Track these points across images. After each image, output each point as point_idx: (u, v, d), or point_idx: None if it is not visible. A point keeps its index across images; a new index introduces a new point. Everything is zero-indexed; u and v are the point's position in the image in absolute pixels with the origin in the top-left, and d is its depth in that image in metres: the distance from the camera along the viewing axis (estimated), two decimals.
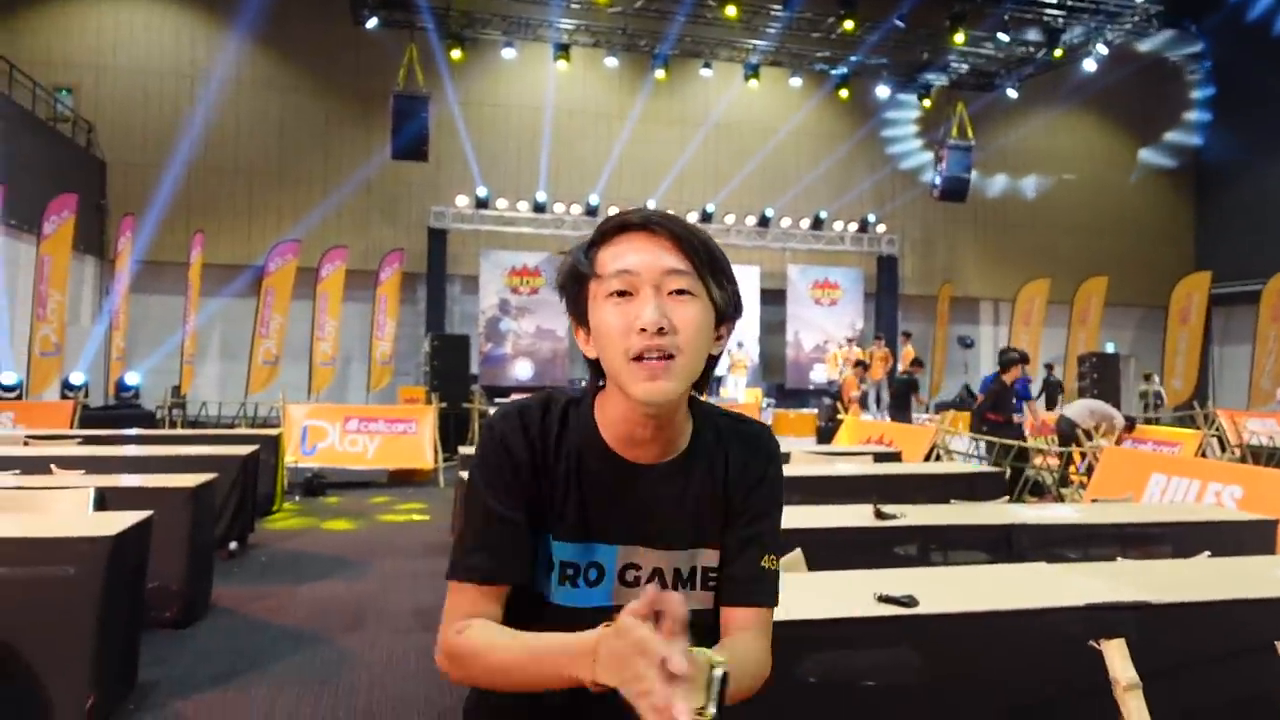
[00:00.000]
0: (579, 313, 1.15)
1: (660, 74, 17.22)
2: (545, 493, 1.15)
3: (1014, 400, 8.13)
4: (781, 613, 2.34)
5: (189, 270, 14.54)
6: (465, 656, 1.09)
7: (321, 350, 15.48)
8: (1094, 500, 5.21)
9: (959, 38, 15.66)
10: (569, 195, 16.95)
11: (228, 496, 6.08)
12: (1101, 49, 16.17)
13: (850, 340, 16.61)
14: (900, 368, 14.04)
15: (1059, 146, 20.58)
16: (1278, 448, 9.35)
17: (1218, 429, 10.62)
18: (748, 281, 18.27)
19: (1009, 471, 6.96)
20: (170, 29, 16.48)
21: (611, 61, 17.16)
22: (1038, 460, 7.53)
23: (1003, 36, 16.07)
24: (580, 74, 17.58)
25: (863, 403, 13.38)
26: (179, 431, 10.36)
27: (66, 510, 4.14)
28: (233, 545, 6.21)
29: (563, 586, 1.15)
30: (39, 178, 12.76)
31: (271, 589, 5.38)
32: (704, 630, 1.17)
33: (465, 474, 1.18)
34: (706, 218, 17.43)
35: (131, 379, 13.45)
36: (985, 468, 6.18)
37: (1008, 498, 5.06)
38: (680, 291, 1.09)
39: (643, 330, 1.06)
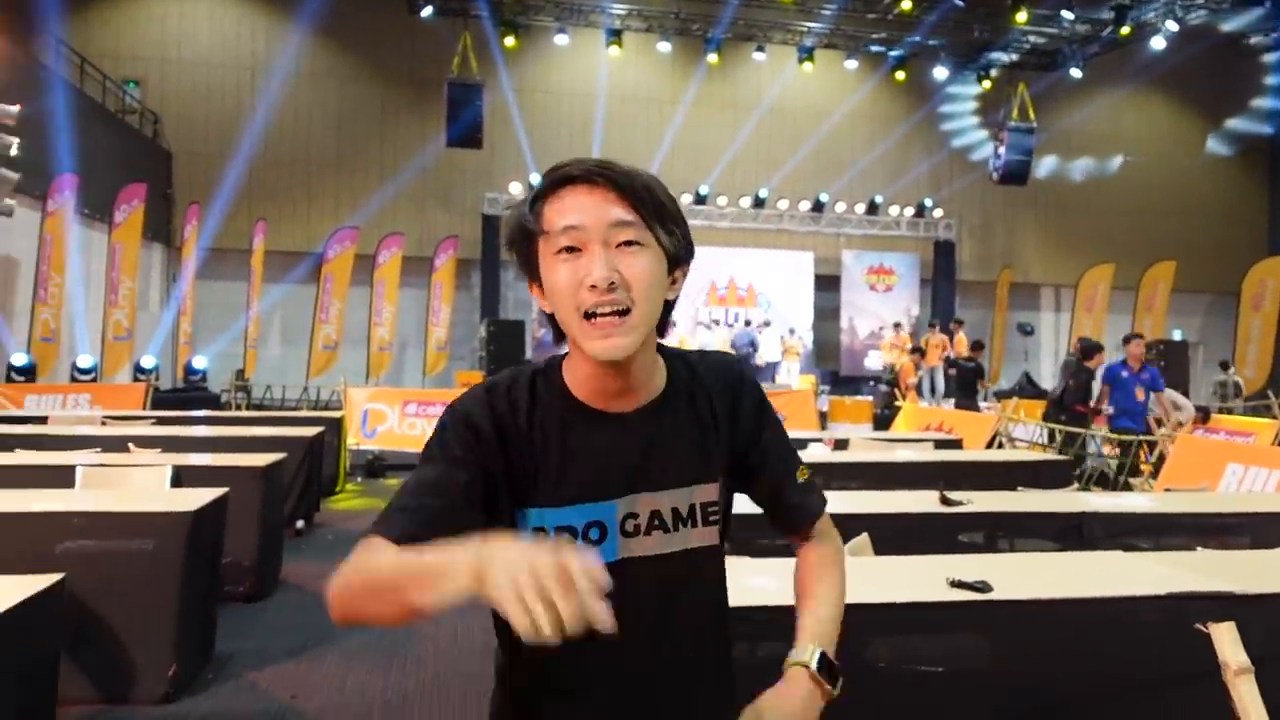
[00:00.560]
0: (531, 269, 1.13)
1: (713, 58, 17.09)
2: (520, 465, 1.11)
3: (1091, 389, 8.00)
4: (852, 596, 2.34)
5: (251, 257, 14.90)
6: (342, 578, 1.03)
7: (379, 335, 15.76)
8: (1167, 489, 5.07)
9: (1021, 16, 15.24)
10: None
11: (294, 476, 6.25)
12: (1172, 26, 15.61)
13: (898, 326, 16.36)
14: (952, 355, 13.77)
15: (1124, 128, 19.94)
16: None
17: None
18: (801, 267, 18.14)
19: (1074, 460, 6.81)
20: (232, 22, 16.85)
21: (664, 46, 17.08)
22: (1106, 449, 7.35)
23: (1067, 14, 15.61)
24: (632, 59, 17.54)
25: (919, 389, 13.19)
26: (247, 414, 10.65)
27: (146, 487, 4.30)
28: (299, 524, 6.38)
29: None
30: (109, 168, 13.17)
31: (338, 567, 5.51)
32: (709, 567, 1.19)
33: None
34: (759, 203, 17.30)
35: (199, 363, 13.85)
36: (1052, 455, 6.06)
37: (1076, 486, 4.96)
38: (629, 243, 1.06)
39: (593, 287, 1.04)
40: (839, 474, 5.03)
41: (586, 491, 1.11)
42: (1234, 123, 20.39)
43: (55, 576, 2.40)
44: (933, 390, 13.81)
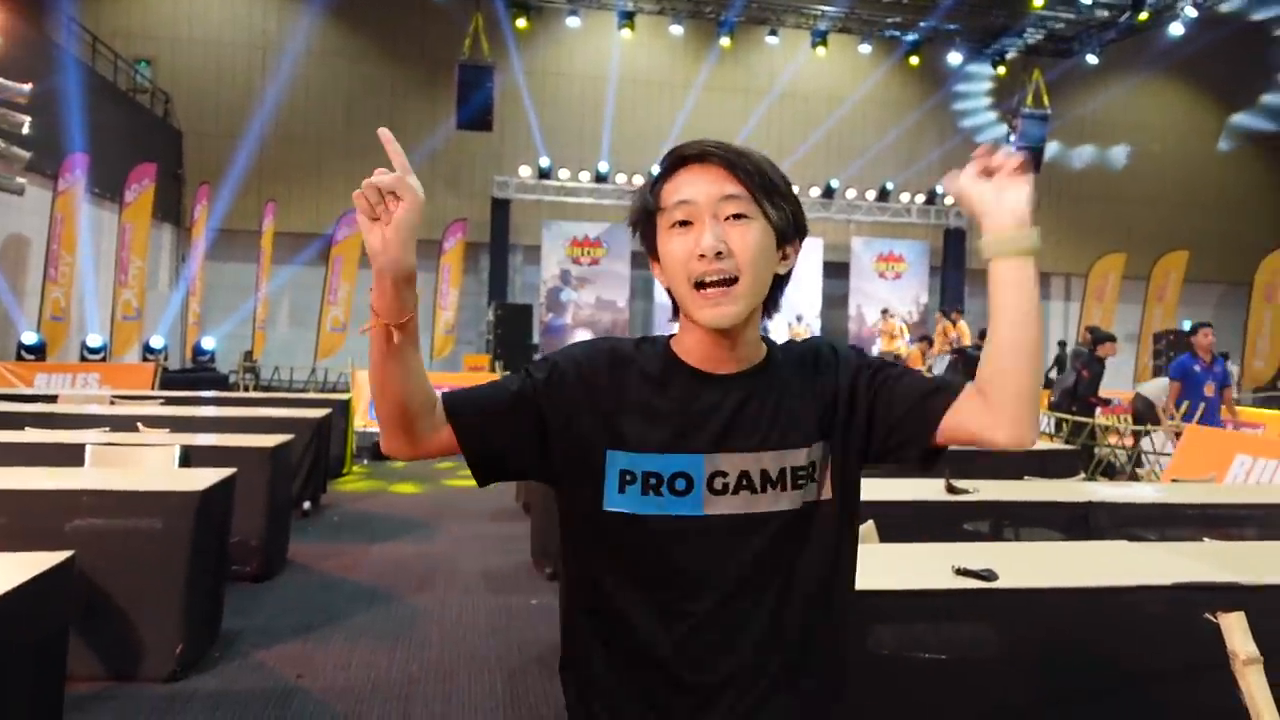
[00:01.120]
0: (651, 247, 1.21)
1: (725, 42, 16.97)
2: (609, 409, 1.17)
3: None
4: (857, 584, 2.34)
5: (261, 238, 14.92)
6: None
7: None
8: (1174, 480, 5.05)
9: (1038, 1, 15.09)
10: (631, 166, 16.88)
11: (302, 458, 6.27)
12: (1190, 12, 15.42)
13: (885, 313, 16.25)
14: (938, 345, 13.66)
15: (1139, 116, 19.74)
16: None
17: None
18: (810, 253, 18.05)
19: (1083, 451, 6.78)
20: (243, 2, 16.79)
21: (676, 29, 16.97)
22: (1112, 439, 7.33)
23: (1084, 0, 15.43)
24: (644, 42, 17.43)
25: None
26: (256, 394, 10.69)
27: (154, 466, 4.31)
28: (306, 505, 6.41)
29: (645, 496, 1.16)
30: (120, 148, 13.17)
31: (344, 547, 5.55)
32: (794, 530, 1.18)
33: None
34: None
35: (208, 343, 13.91)
36: (1059, 445, 6.04)
37: (1083, 475, 4.94)
38: (737, 216, 1.13)
39: (702, 256, 1.11)
40: None
41: (674, 441, 1.16)
42: (1250, 112, 20.17)
43: (65, 554, 2.41)
44: None
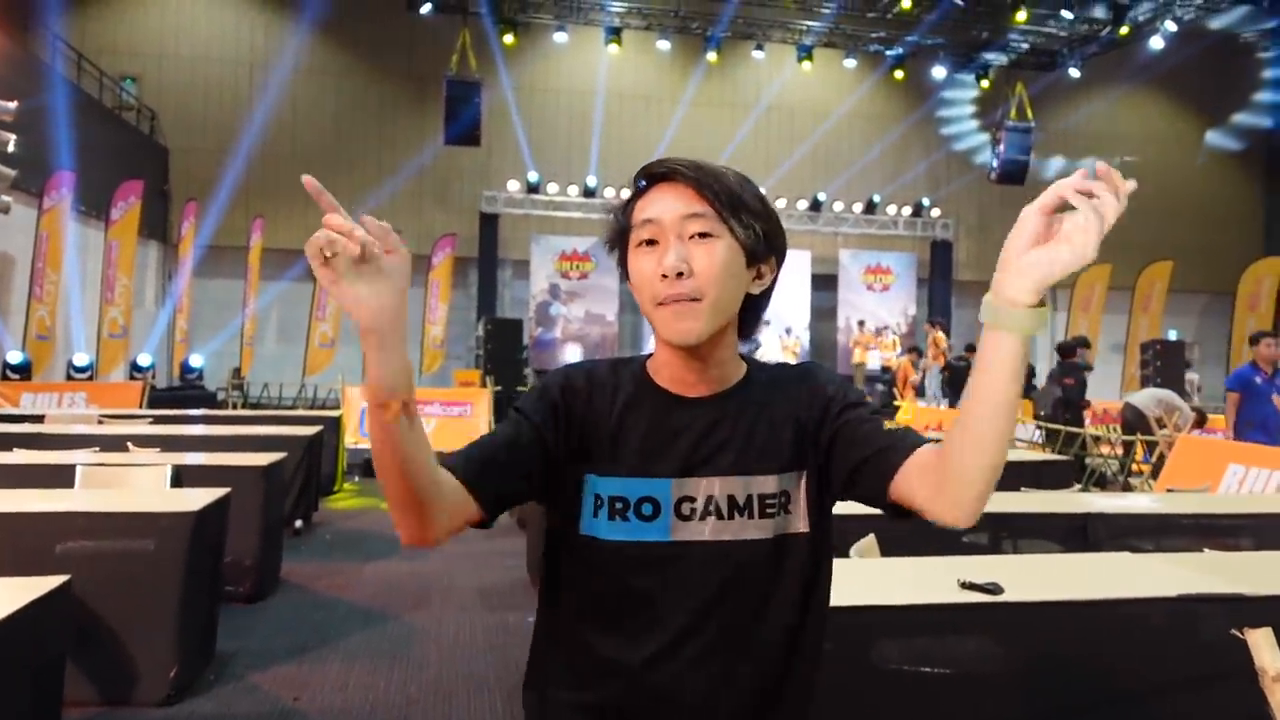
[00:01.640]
0: (624, 266, 1.20)
1: (712, 57, 17.07)
2: (585, 433, 1.16)
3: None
4: (861, 598, 2.33)
5: (249, 255, 14.86)
6: None
7: None
8: (1169, 490, 5.07)
9: (1021, 15, 15.26)
10: (619, 180, 16.92)
11: (293, 476, 6.22)
12: (1170, 26, 15.63)
13: (861, 324, 16.30)
14: (931, 355, 13.73)
15: (1122, 128, 19.97)
16: None
17: None
18: (799, 266, 18.13)
19: (1075, 461, 6.81)
20: (230, 18, 16.78)
21: (663, 44, 17.07)
22: (1104, 450, 7.36)
23: (1066, 14, 15.62)
24: (632, 58, 17.51)
25: (918, 390, 13.19)
26: (246, 412, 10.62)
27: (146, 486, 4.27)
28: (299, 523, 6.35)
29: (613, 521, 1.14)
30: (106, 165, 13.11)
31: (338, 566, 5.50)
32: (763, 561, 1.15)
33: None
34: None
35: (195, 361, 13.82)
36: (1052, 456, 6.06)
37: (1078, 486, 4.96)
38: (703, 235, 1.11)
39: (664, 276, 1.10)
40: None
41: (641, 465, 1.14)
42: (1231, 124, 20.43)
43: (61, 578, 2.38)
44: (925, 390, 13.80)
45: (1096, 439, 7.75)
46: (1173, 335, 17.61)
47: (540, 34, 16.95)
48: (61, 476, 4.26)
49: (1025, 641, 2.36)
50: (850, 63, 17.81)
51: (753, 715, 1.17)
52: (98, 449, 5.44)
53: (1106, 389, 15.89)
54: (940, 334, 13.93)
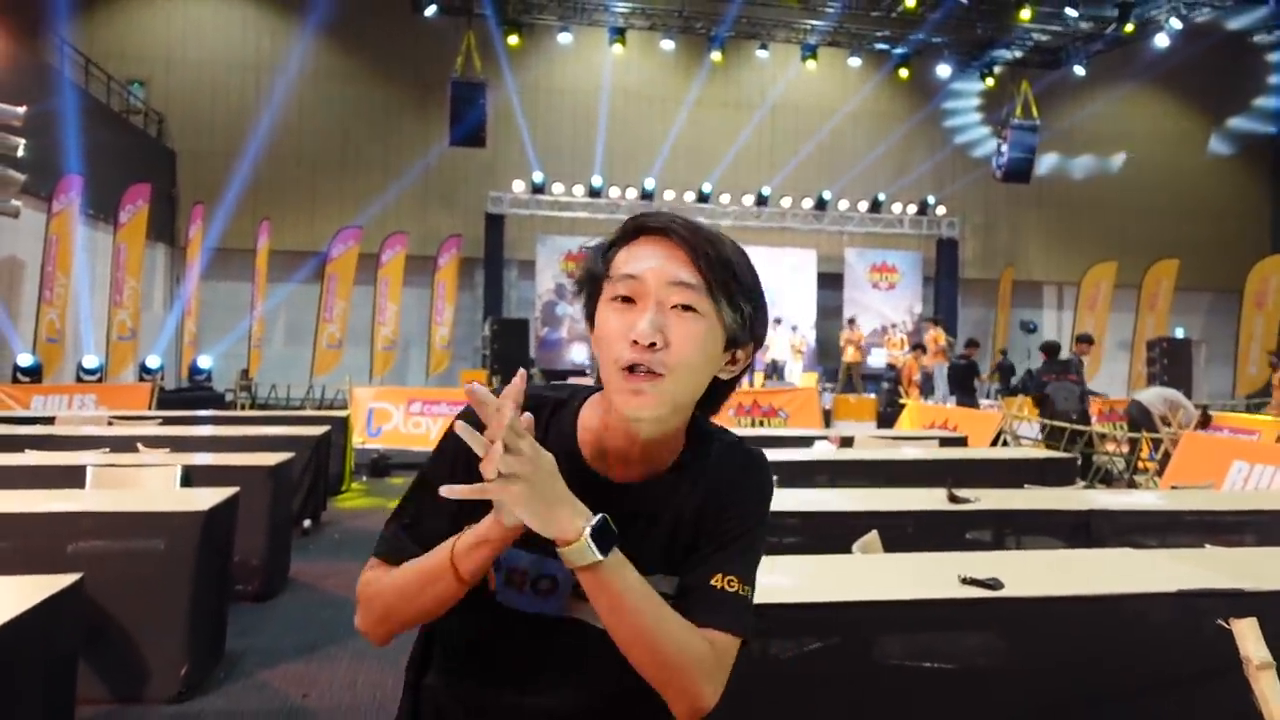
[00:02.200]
0: (590, 313, 1.10)
1: (716, 56, 17.09)
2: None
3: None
4: (864, 594, 2.35)
5: (256, 257, 14.92)
6: (370, 598, 1.10)
7: (383, 335, 15.80)
8: (1173, 487, 5.08)
9: (1025, 14, 15.24)
10: (624, 179, 16.95)
11: (301, 476, 6.26)
12: (1175, 24, 15.59)
13: (852, 322, 16.30)
14: (931, 353, 13.71)
15: (1128, 126, 19.92)
16: None
17: None
18: (804, 265, 18.14)
19: (1079, 459, 6.82)
20: (236, 22, 16.86)
21: (668, 44, 17.09)
22: (1109, 447, 7.36)
23: (1071, 12, 15.59)
24: (636, 58, 17.54)
25: (922, 387, 13.18)
26: (254, 413, 10.68)
27: (156, 487, 4.31)
28: (307, 523, 6.40)
29: (509, 589, 1.11)
30: (114, 169, 13.18)
31: (346, 565, 5.53)
32: None
33: None
34: (762, 201, 17.29)
35: (204, 362, 13.89)
36: (1058, 453, 6.07)
37: (1082, 483, 4.97)
38: (686, 307, 1.02)
39: (635, 343, 1.01)
40: (846, 472, 5.05)
41: (546, 542, 1.00)
42: (1237, 121, 20.36)
43: (73, 576, 2.42)
44: (933, 389, 13.79)
45: (1102, 436, 7.75)
46: (1180, 333, 17.58)
47: (544, 35, 16.99)
48: (72, 477, 4.30)
49: (1026, 636, 2.38)
50: (855, 61, 17.81)
51: None
52: (108, 450, 5.49)
53: (1114, 386, 15.87)
54: (940, 331, 13.93)
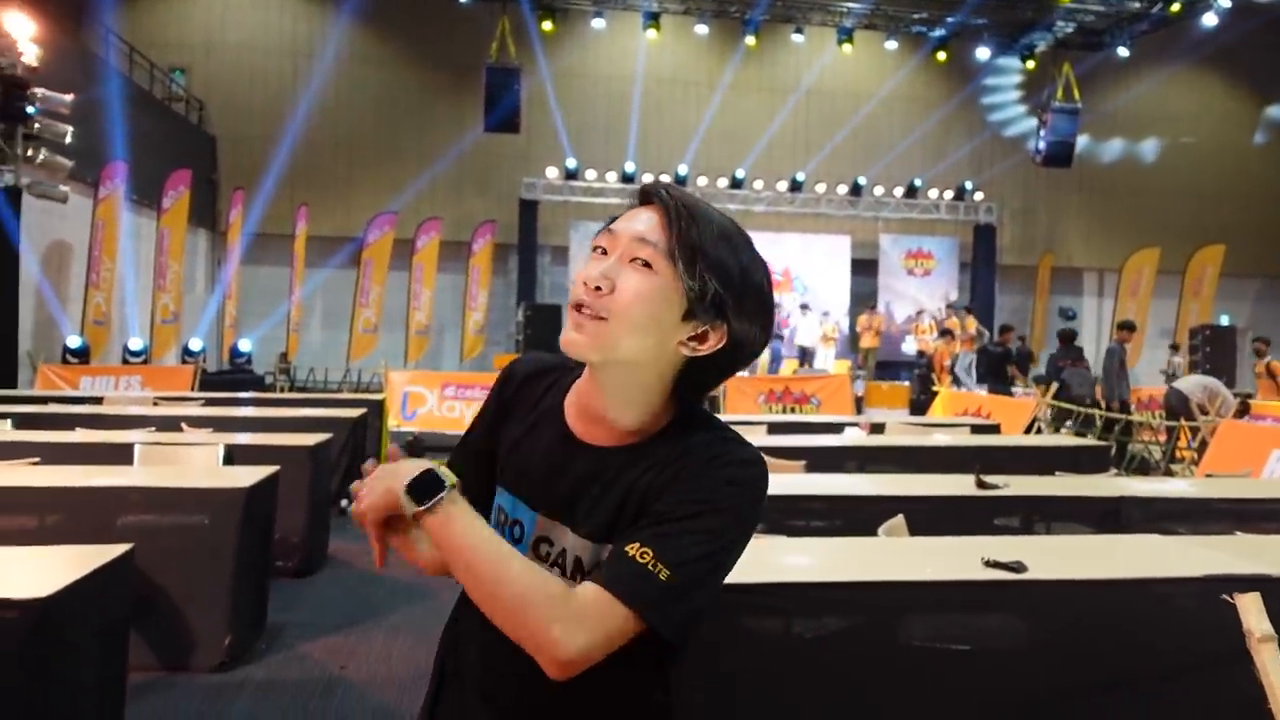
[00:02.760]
0: None
1: (751, 41, 16.97)
2: (504, 436, 1.20)
3: None
4: (887, 575, 2.39)
5: (294, 242, 15.16)
6: None
7: (417, 319, 15.99)
8: (1208, 475, 5.02)
9: None
10: (657, 166, 16.94)
11: (339, 456, 6.39)
12: (1224, 2, 15.19)
13: (873, 308, 16.14)
14: (960, 341, 13.54)
15: (1173, 108, 19.46)
16: None
17: None
18: (838, 251, 18.02)
19: (1114, 447, 6.75)
20: (274, 9, 17.07)
21: (701, 29, 17.01)
22: (1145, 435, 7.28)
23: None
24: (670, 43, 17.48)
25: (953, 375, 13.06)
26: (293, 395, 10.90)
27: (200, 464, 4.45)
28: (344, 502, 6.53)
29: (500, 530, 1.16)
30: (157, 155, 13.46)
31: None
32: None
33: None
34: (796, 187, 17.18)
35: (244, 345, 14.17)
36: (1092, 441, 6.02)
37: (1115, 471, 4.93)
38: (645, 264, 1.05)
39: (585, 284, 1.06)
40: (875, 458, 5.06)
41: (521, 489, 1.15)
42: None
43: (125, 546, 2.52)
44: (964, 376, 13.62)
45: (1139, 425, 7.65)
46: (1225, 321, 17.21)
47: (578, 20, 16.99)
48: (121, 454, 4.46)
49: (1048, 619, 2.39)
50: (891, 45, 17.58)
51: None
52: (154, 429, 5.66)
53: (1155, 376, 15.59)
54: (970, 319, 13.78)
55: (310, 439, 5.11)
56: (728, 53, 17.75)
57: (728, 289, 1.05)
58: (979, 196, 18.03)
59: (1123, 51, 17.33)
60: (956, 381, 12.35)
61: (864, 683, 2.32)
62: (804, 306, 16.56)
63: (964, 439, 5.80)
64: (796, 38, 17.18)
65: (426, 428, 10.10)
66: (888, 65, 18.25)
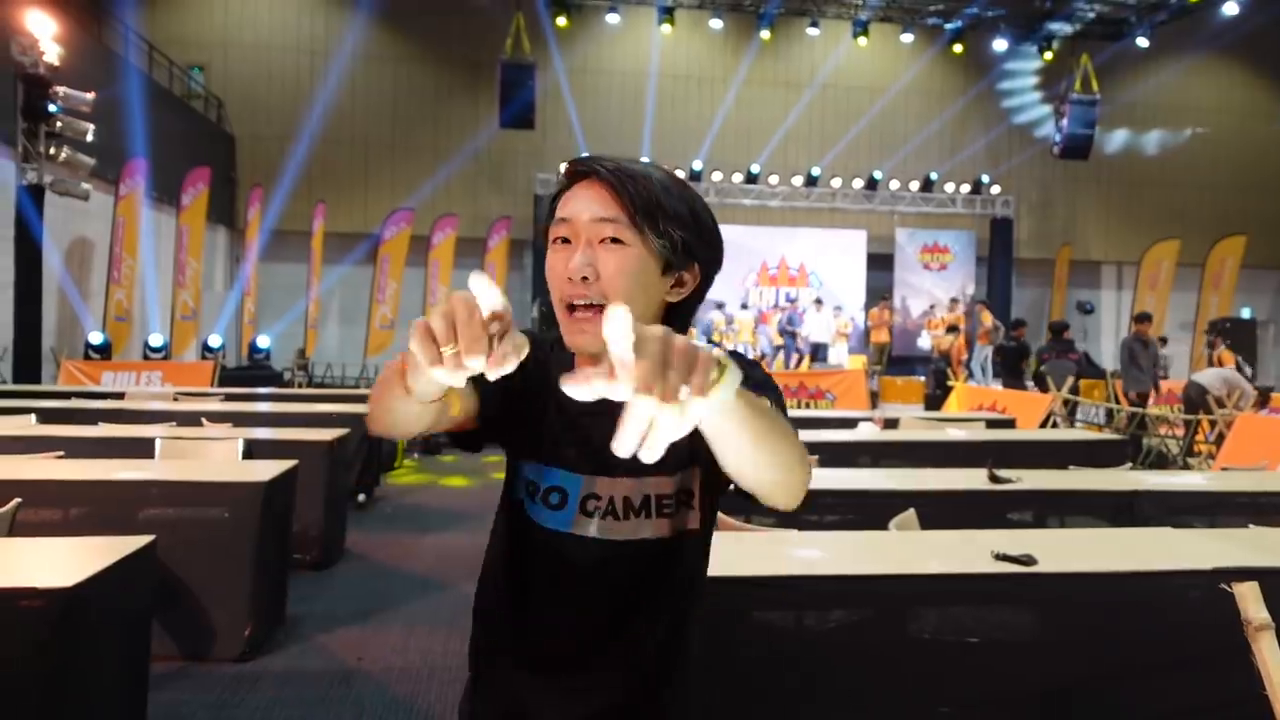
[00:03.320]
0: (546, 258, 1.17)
1: (765, 35, 16.94)
2: (520, 411, 1.16)
3: None
4: (896, 568, 2.40)
5: (312, 239, 15.27)
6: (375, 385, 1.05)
7: None
8: (1224, 469, 4.99)
9: None
10: (672, 160, 16.91)
11: (356, 451, 6.47)
12: None
13: (885, 299, 16.08)
14: (979, 335, 13.48)
15: (1193, 98, 19.25)
16: None
17: None
18: (854, 246, 17.95)
19: (1130, 441, 6.71)
20: (292, 7, 17.19)
21: (716, 23, 16.98)
22: (1162, 429, 7.23)
23: None
24: (684, 37, 17.46)
25: (969, 370, 13.01)
26: (311, 391, 11.00)
27: (220, 459, 4.52)
28: (362, 497, 6.61)
29: (533, 503, 1.18)
30: (176, 153, 13.59)
31: (398, 538, 5.73)
32: (659, 559, 1.17)
33: None
34: (812, 181, 17.13)
35: (263, 342, 14.30)
36: (1109, 435, 5.99)
37: (1130, 465, 4.91)
38: (614, 241, 1.08)
39: (569, 279, 1.08)
40: (888, 453, 5.06)
41: (554, 457, 1.15)
42: None
43: (147, 538, 2.58)
44: (983, 371, 13.58)
45: (1156, 418, 7.60)
46: (1246, 313, 17.03)
47: (593, 16, 17.00)
48: (142, 449, 4.53)
49: (1059, 612, 2.40)
50: (907, 37, 17.49)
51: (643, 694, 1.18)
52: (174, 424, 5.74)
53: (1174, 369, 15.46)
54: (985, 313, 13.72)
55: (328, 434, 5.17)
56: (742, 47, 17.72)
57: (690, 232, 1.12)
58: (996, 190, 17.92)
59: (1142, 41, 17.17)
60: (972, 376, 12.30)
61: (875, 674, 2.34)
62: (818, 301, 16.52)
63: (978, 434, 5.79)
64: (811, 31, 17.13)
65: None
66: (903, 58, 18.15)
